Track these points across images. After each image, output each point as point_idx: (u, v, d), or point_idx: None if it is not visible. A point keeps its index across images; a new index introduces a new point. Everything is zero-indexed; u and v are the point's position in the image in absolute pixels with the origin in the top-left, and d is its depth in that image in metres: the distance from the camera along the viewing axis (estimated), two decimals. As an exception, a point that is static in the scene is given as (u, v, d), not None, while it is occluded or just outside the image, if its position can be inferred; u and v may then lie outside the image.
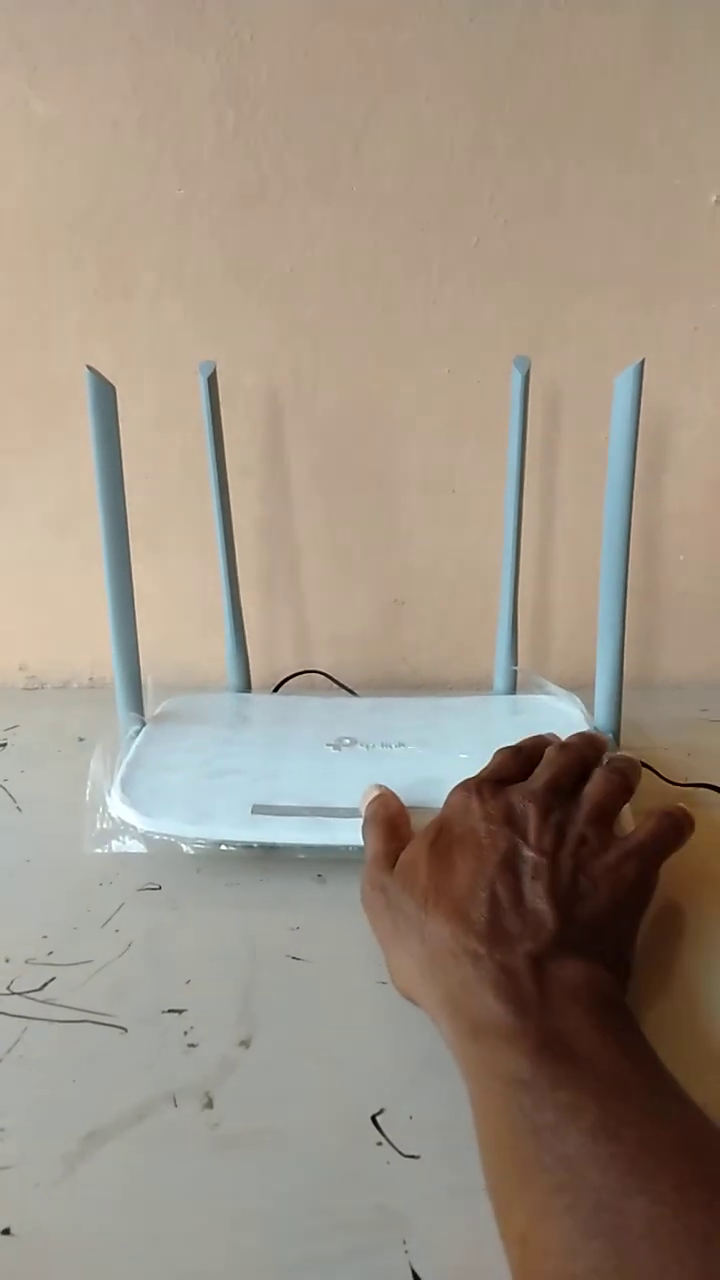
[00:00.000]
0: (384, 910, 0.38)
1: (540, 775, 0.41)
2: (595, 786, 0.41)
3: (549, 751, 0.43)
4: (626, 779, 0.42)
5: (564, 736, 0.52)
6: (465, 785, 0.42)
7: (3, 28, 0.56)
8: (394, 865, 0.40)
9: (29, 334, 0.62)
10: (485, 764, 0.44)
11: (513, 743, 0.45)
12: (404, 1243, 0.28)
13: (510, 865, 0.37)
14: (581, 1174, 0.25)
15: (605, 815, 0.40)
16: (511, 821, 0.39)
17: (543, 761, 0.43)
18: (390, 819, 0.43)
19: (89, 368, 0.48)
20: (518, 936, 0.34)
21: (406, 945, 0.36)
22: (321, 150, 0.59)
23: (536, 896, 0.35)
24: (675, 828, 0.41)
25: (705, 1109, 0.28)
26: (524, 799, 0.39)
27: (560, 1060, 0.28)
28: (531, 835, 0.38)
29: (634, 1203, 0.24)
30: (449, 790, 0.42)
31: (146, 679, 0.56)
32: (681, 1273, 0.22)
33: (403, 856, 0.40)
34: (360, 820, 0.45)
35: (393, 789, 0.46)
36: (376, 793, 0.46)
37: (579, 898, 0.36)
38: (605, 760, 0.44)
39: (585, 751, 0.44)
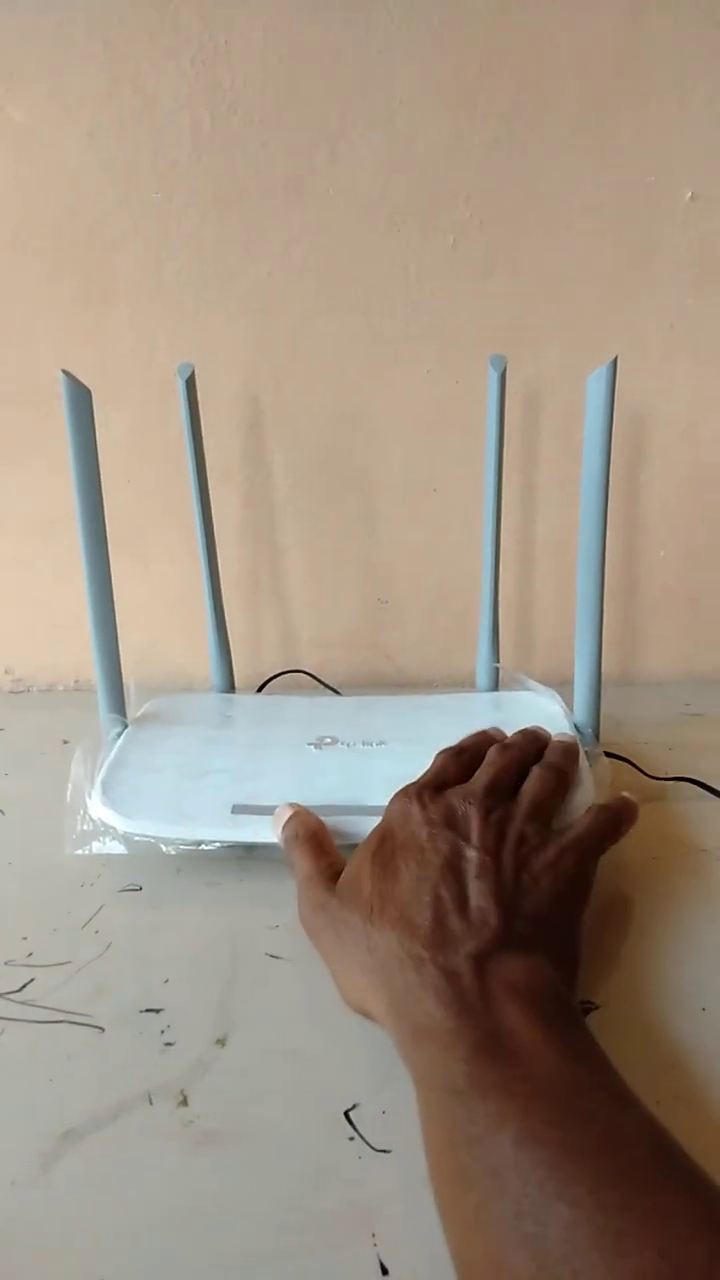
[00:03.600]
0: (327, 928, 0.38)
1: (480, 776, 0.42)
2: (532, 784, 0.42)
3: (490, 752, 0.44)
4: (562, 775, 0.43)
5: (553, 732, 0.53)
6: (405, 792, 0.41)
7: (-23, 35, 0.56)
8: (330, 881, 0.39)
9: (8, 340, 0.63)
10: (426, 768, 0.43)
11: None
12: (372, 1236, 0.28)
13: (453, 867, 0.37)
14: (505, 1185, 0.25)
15: (542, 811, 0.40)
16: (453, 824, 0.39)
17: (484, 762, 0.43)
18: (313, 835, 0.43)
19: (64, 372, 0.48)
20: (461, 938, 0.34)
21: (353, 959, 0.36)
22: (298, 153, 0.59)
23: (480, 895, 0.35)
24: (613, 820, 0.42)
25: (656, 1106, 0.28)
26: (464, 800, 0.40)
27: (493, 1065, 0.28)
28: (474, 836, 0.38)
29: (553, 1209, 0.24)
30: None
31: (129, 681, 0.56)
32: (592, 1277, 0.22)
33: (345, 872, 0.39)
34: (350, 816, 0.45)
35: (373, 786, 0.46)
36: (290, 812, 0.45)
37: (521, 894, 0.36)
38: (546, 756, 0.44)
39: (526, 749, 0.44)
